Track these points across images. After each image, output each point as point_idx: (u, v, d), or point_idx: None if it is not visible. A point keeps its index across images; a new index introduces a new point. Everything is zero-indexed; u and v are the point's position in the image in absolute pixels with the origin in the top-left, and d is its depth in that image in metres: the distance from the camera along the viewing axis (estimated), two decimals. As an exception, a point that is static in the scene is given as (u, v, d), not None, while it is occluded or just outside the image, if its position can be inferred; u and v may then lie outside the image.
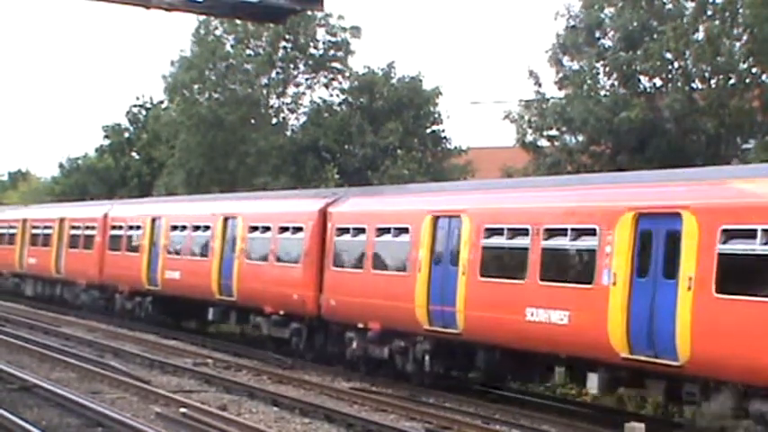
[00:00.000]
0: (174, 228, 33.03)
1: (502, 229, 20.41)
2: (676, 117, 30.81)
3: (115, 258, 37.03)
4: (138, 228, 35.41)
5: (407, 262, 22.57)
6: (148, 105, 62.56)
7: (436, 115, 46.41)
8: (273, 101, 48.90)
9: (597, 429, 18.73)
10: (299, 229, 26.58)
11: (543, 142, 34.71)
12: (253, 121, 47.82)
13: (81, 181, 64.43)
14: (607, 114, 31.51)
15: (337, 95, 48.06)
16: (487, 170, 39.95)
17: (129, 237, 36.13)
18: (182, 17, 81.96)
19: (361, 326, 23.85)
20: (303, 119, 48.37)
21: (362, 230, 24.23)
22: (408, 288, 22.27)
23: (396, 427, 18.05)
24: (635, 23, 31.82)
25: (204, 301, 30.75)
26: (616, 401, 22.08)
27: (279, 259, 27.27)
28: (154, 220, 34.40)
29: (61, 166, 69.77)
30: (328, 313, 25.27)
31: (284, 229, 27.22)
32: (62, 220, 41.98)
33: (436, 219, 22.10)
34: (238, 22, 44.59)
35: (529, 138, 34.60)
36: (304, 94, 48.53)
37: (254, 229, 28.51)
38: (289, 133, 48.38)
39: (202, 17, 44.69)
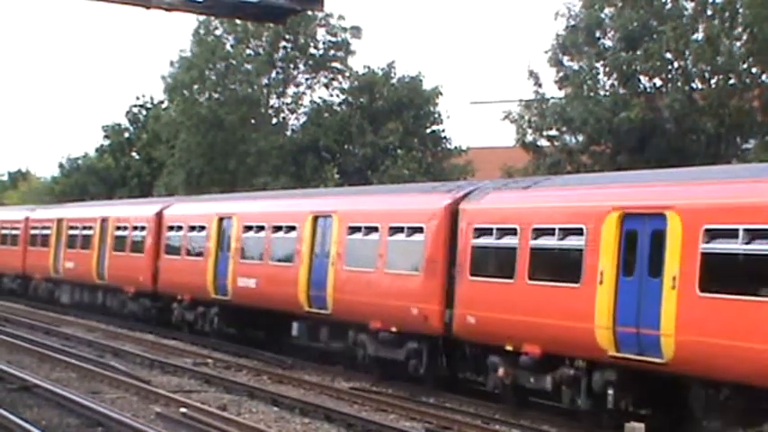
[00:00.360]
0: (248, 228, 28.54)
1: (735, 231, 15.88)
2: (676, 117, 30.86)
3: (172, 263, 32.49)
4: (202, 228, 30.87)
5: (582, 271, 18.15)
6: (148, 105, 62.66)
7: (436, 115, 46.53)
8: (273, 101, 49.01)
9: (597, 429, 18.71)
10: (416, 230, 22.31)
11: (543, 142, 34.76)
12: (253, 121, 47.91)
13: (81, 181, 64.51)
14: (607, 114, 31.56)
15: (337, 95, 48.24)
16: (487, 170, 39.97)
17: (191, 239, 31.62)
18: (182, 17, 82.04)
19: (509, 348, 19.61)
20: (303, 119, 48.50)
21: (512, 231, 19.84)
22: (583, 303, 17.91)
23: (396, 427, 18.04)
24: (635, 23, 31.86)
25: (287, 314, 26.57)
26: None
27: (390, 266, 22.88)
28: (222, 220, 29.88)
29: (61, 166, 69.90)
30: (462, 332, 20.84)
31: (396, 230, 22.85)
32: (104, 220, 37.39)
33: (625, 217, 17.65)
34: (238, 22, 44.68)
35: (529, 138, 34.66)
36: (304, 94, 48.75)
37: (355, 230, 24.13)
38: (289, 133, 48.47)
39: (202, 17, 44.76)
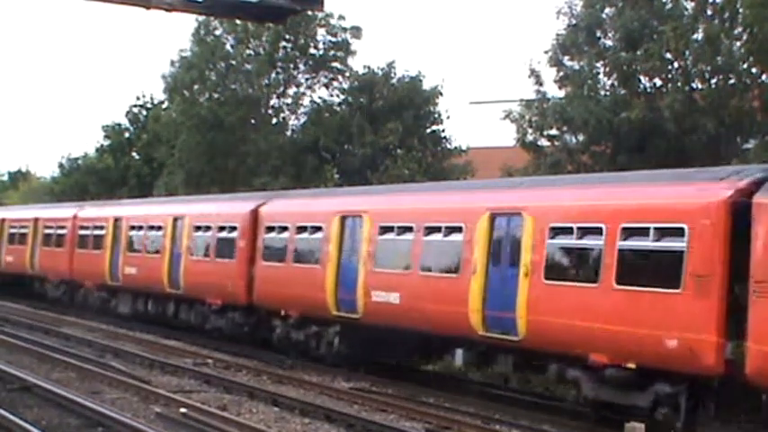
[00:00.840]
0: (386, 230, 23.28)
1: None
2: (676, 117, 30.81)
3: (274, 271, 27.28)
4: (317, 230, 25.72)
5: None
6: (149, 105, 62.73)
7: (436, 115, 46.50)
8: (274, 101, 48.98)
9: (597, 429, 18.71)
10: (671, 232, 16.94)
11: (543, 142, 34.75)
12: (253, 121, 47.92)
13: (81, 181, 64.54)
14: (607, 114, 31.58)
15: (337, 95, 48.21)
16: (487, 170, 39.97)
17: (300, 241, 26.51)
18: (182, 17, 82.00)
19: None
20: (303, 119, 48.49)
21: None
22: None
23: (396, 427, 18.05)
24: (635, 23, 31.85)
25: (449, 338, 21.85)
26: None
27: (624, 280, 17.40)
28: (344, 219, 24.89)
29: (61, 165, 69.98)
30: (764, 376, 15.37)
31: (634, 232, 17.47)
32: (176, 219, 32.41)
33: None
34: (238, 22, 44.67)
35: (529, 137, 34.64)
36: (304, 94, 48.67)
37: (560, 231, 18.93)
38: (289, 133, 48.47)
39: (202, 17, 44.76)
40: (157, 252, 33.09)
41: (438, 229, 21.75)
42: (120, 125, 64.31)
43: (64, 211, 42.83)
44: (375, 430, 17.96)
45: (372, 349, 24.91)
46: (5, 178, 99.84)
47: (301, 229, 26.39)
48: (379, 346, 24.62)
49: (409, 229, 22.49)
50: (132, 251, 35.02)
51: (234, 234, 29.18)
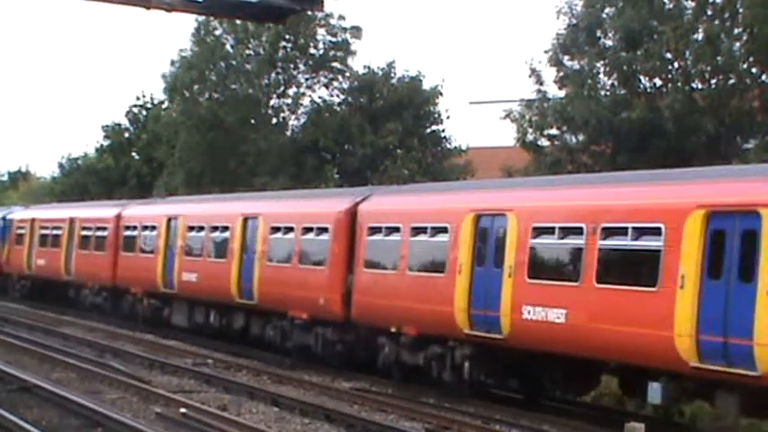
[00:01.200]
0: (542, 231, 19.14)
1: None
2: (676, 117, 30.82)
3: (381, 280, 23.19)
4: (439, 231, 21.56)
5: None
6: (149, 105, 62.75)
7: (436, 115, 46.49)
8: (274, 101, 48.97)
9: (597, 429, 18.71)
10: None
11: (544, 142, 34.77)
12: (253, 121, 47.92)
13: (81, 181, 64.56)
14: (607, 114, 31.60)
15: (337, 95, 48.19)
16: (487, 170, 39.97)
17: (417, 245, 22.24)
18: (182, 17, 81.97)
19: None
20: (303, 119, 48.48)
21: None
22: None
23: (396, 427, 18.05)
24: (635, 23, 31.86)
25: (633, 368, 17.71)
26: (616, 401, 22.07)
27: None
28: (479, 218, 20.69)
29: (61, 166, 70.02)
30: None
31: None
32: (247, 219, 28.51)
33: None
34: (238, 22, 44.68)
35: (529, 137, 34.65)
36: (304, 94, 48.64)
37: None
38: (289, 133, 48.47)
39: (202, 17, 44.77)
40: (223, 256, 29.22)
41: (622, 231, 17.53)
42: (120, 125, 64.34)
43: (105, 210, 39.09)
44: (375, 430, 17.97)
45: (514, 376, 21.23)
46: (5, 178, 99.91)
47: (419, 231, 22.16)
48: (525, 373, 20.82)
49: (577, 231, 18.27)
50: (190, 255, 31.24)
51: (324, 236, 25.18)
